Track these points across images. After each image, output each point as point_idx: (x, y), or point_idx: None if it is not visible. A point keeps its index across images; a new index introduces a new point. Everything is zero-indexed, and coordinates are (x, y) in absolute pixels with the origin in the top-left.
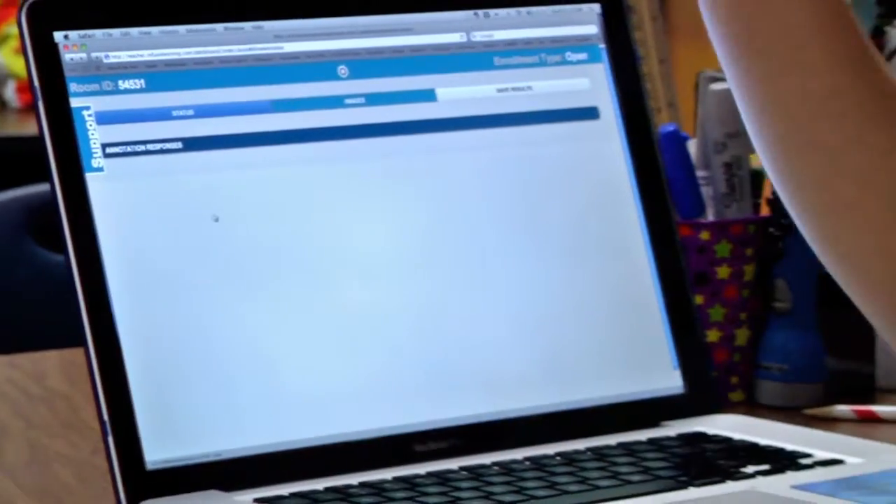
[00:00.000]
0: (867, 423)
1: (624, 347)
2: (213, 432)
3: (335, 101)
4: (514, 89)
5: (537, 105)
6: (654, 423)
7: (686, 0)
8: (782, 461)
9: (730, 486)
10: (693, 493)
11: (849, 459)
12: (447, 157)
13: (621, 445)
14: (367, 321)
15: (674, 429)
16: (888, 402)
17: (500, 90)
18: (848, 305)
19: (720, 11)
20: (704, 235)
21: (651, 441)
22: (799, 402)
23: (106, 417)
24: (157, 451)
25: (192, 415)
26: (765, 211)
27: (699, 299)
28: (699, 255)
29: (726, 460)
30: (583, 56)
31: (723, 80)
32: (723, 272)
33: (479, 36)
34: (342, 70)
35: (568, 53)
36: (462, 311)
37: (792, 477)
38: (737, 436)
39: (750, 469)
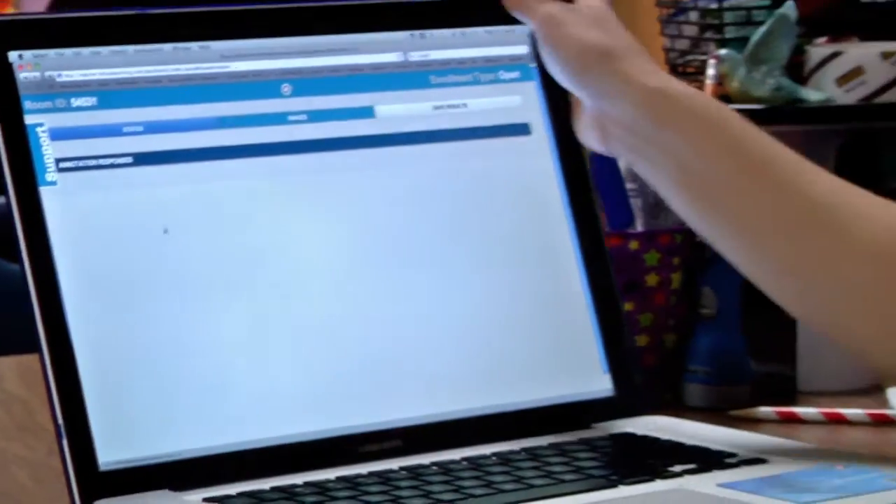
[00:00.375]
0: (789, 424)
1: (556, 352)
2: (164, 434)
3: (279, 118)
4: (449, 106)
5: (472, 122)
6: (585, 425)
7: (620, 18)
8: (708, 460)
9: (659, 485)
10: (624, 491)
11: (771, 458)
12: (387, 171)
13: (553, 446)
14: (311, 328)
15: (604, 430)
16: (809, 404)
17: (436, 107)
18: (770, 311)
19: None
20: (634, 245)
21: (582, 441)
22: (724, 404)
23: (60, 421)
24: (109, 453)
25: (143, 418)
26: None
27: (629, 306)
28: (629, 263)
29: (654, 460)
30: (515, 75)
31: None
32: (651, 280)
33: (415, 56)
34: (285, 88)
35: (501, 72)
36: (402, 317)
37: (718, 476)
38: (663, 436)
39: (677, 468)
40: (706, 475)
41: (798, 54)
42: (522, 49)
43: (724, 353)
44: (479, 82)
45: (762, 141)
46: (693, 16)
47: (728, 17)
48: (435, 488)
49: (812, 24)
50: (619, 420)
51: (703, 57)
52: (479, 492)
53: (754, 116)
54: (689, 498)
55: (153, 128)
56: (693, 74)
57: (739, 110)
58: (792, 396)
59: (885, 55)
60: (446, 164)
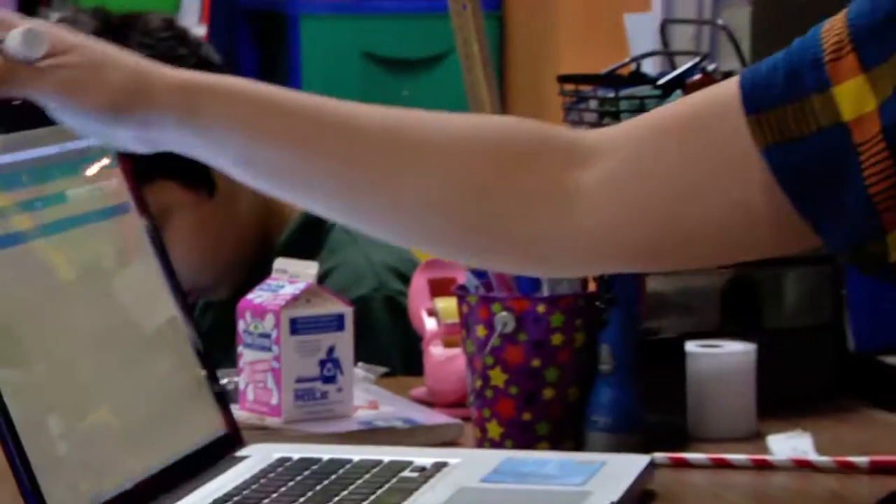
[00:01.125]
0: (679, 468)
1: (182, 407)
2: (87, 481)
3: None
4: (93, 191)
5: (91, 206)
6: (224, 456)
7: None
8: (417, 468)
9: (432, 484)
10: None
11: (448, 461)
12: (54, 256)
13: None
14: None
15: (262, 458)
16: (697, 450)
17: (76, 194)
18: (662, 367)
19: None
20: (541, 308)
21: (284, 468)
22: (622, 451)
23: (25, 484)
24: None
25: (62, 469)
26: (592, 286)
27: (537, 362)
28: (536, 324)
29: (378, 473)
30: (106, 161)
31: None
32: (556, 339)
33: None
34: None
35: (99, 160)
36: (101, 389)
37: (456, 475)
38: (323, 456)
39: (414, 475)
40: (449, 475)
41: None
42: None
43: (621, 404)
44: (84, 172)
45: (301, 100)
46: (593, 104)
47: (623, 105)
48: None
49: (665, 88)
50: (248, 449)
51: None
52: None
53: None
54: (482, 494)
55: None
56: None
57: None
58: (682, 443)
59: None
60: (81, 251)
